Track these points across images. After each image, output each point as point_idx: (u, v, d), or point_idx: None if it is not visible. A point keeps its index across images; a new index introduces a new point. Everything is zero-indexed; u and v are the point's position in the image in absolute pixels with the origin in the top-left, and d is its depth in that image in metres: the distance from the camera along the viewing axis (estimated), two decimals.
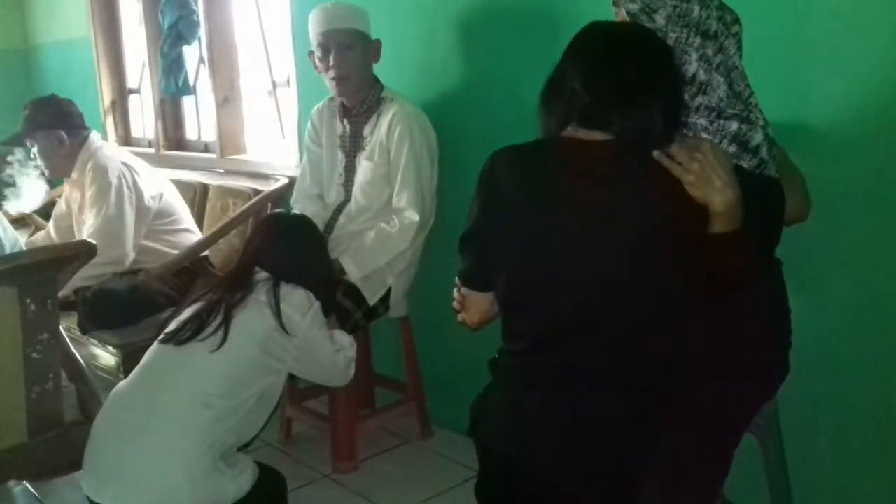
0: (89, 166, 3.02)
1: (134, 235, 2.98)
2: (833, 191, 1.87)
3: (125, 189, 2.97)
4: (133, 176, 3.02)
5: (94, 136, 3.14)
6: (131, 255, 2.97)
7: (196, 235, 3.20)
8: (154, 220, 3.07)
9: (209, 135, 3.96)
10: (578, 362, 1.40)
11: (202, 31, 3.74)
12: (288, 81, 3.35)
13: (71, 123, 3.10)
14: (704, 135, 1.55)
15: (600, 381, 1.39)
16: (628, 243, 1.36)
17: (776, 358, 1.69)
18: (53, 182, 3.68)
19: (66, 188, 3.33)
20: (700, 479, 1.48)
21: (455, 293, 1.60)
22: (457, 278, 1.57)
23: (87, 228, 2.98)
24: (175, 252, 3.06)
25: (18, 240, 2.51)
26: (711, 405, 1.46)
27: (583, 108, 1.40)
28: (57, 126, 3.06)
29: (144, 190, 3.03)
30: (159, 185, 3.14)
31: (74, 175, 3.10)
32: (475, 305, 1.57)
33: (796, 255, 1.74)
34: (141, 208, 3.01)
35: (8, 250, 2.31)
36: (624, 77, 1.39)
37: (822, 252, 1.94)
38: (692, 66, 1.54)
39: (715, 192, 1.32)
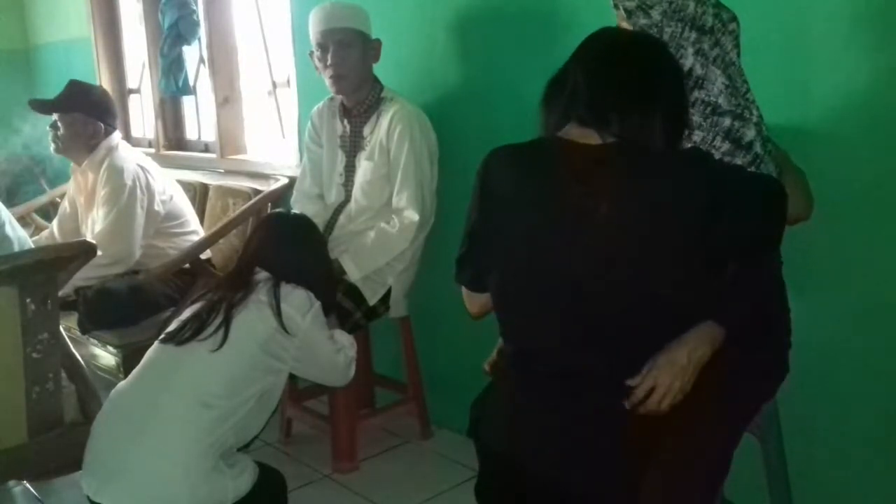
0: (105, 165, 3.03)
1: (142, 237, 2.99)
2: (833, 191, 1.87)
3: (138, 191, 2.99)
4: (147, 178, 3.04)
5: (116, 134, 3.16)
6: (136, 256, 2.98)
7: None
8: (163, 221, 3.08)
9: (209, 135, 3.96)
10: (576, 366, 1.40)
11: (202, 31, 3.74)
12: (288, 81, 3.35)
13: (109, 120, 3.14)
14: (698, 132, 1.55)
15: (599, 382, 1.39)
16: (620, 251, 1.36)
17: (776, 358, 1.69)
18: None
19: (70, 186, 3.33)
20: (700, 479, 1.48)
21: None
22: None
23: (96, 227, 3.00)
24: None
25: (28, 239, 2.52)
26: (711, 405, 1.46)
27: (583, 105, 1.40)
28: (98, 117, 3.09)
29: (156, 192, 3.04)
30: (170, 188, 3.15)
31: (84, 164, 3.11)
32: (475, 301, 1.59)
33: (796, 255, 1.74)
34: (150, 211, 3.02)
35: (16, 248, 2.31)
36: (627, 79, 1.40)
37: (823, 252, 1.94)
38: (688, 60, 1.55)
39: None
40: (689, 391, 1.41)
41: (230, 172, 3.59)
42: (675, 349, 1.40)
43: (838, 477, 2.01)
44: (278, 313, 1.91)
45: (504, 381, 1.54)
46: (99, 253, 2.46)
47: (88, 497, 1.82)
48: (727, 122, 1.54)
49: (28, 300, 1.97)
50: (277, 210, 3.04)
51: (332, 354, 2.07)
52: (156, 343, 1.95)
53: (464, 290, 1.62)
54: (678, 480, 1.42)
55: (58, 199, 3.71)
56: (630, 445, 1.39)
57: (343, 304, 2.49)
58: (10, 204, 3.22)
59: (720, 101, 1.55)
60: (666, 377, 1.37)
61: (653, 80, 1.41)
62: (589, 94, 1.40)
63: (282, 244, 2.09)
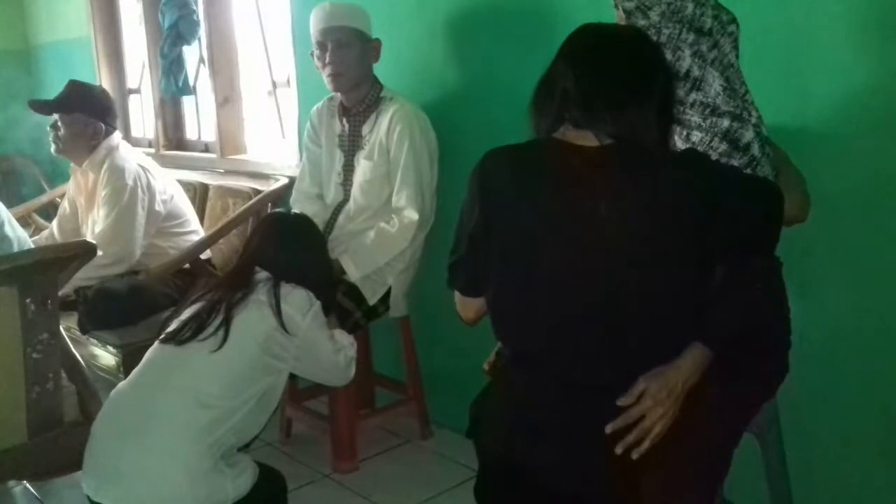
0: (106, 165, 3.03)
1: (142, 237, 2.99)
2: (833, 191, 1.87)
3: (139, 192, 2.99)
4: (148, 178, 3.04)
5: (116, 134, 3.16)
6: (136, 256, 2.98)
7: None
8: (164, 221, 3.08)
9: (209, 135, 3.96)
10: (574, 367, 1.40)
11: (202, 31, 3.74)
12: (288, 81, 3.35)
13: (109, 120, 3.14)
14: (697, 132, 1.55)
15: (597, 384, 1.39)
16: (619, 253, 1.36)
17: (776, 358, 1.69)
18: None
19: (70, 187, 3.33)
20: (700, 479, 1.48)
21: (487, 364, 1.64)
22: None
23: (97, 227, 3.00)
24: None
25: (27, 239, 2.52)
26: (711, 405, 1.46)
27: (575, 107, 1.39)
28: (98, 118, 3.09)
29: (157, 192, 3.04)
30: (171, 188, 3.16)
31: (85, 164, 3.11)
32: (470, 306, 1.58)
33: (796, 255, 1.74)
34: (151, 211, 3.02)
35: (16, 248, 2.31)
36: (617, 77, 1.39)
37: (822, 252, 1.94)
38: (685, 61, 1.55)
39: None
40: (688, 391, 1.42)
41: (230, 172, 3.59)
42: (672, 376, 1.38)
43: (838, 477, 2.01)
44: (278, 313, 1.90)
45: (503, 382, 1.54)
46: (99, 253, 2.46)
47: (88, 497, 1.82)
48: (726, 123, 1.54)
49: (28, 300, 1.97)
50: (277, 210, 3.04)
51: (332, 354, 2.06)
52: (156, 343, 1.95)
53: (457, 296, 1.60)
54: (678, 480, 1.43)
55: (58, 200, 3.71)
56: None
57: (343, 303, 2.50)
58: (9, 204, 3.22)
59: (718, 102, 1.55)
60: (659, 407, 1.37)
61: (642, 74, 1.41)
62: (579, 93, 1.39)
63: (282, 244, 2.09)
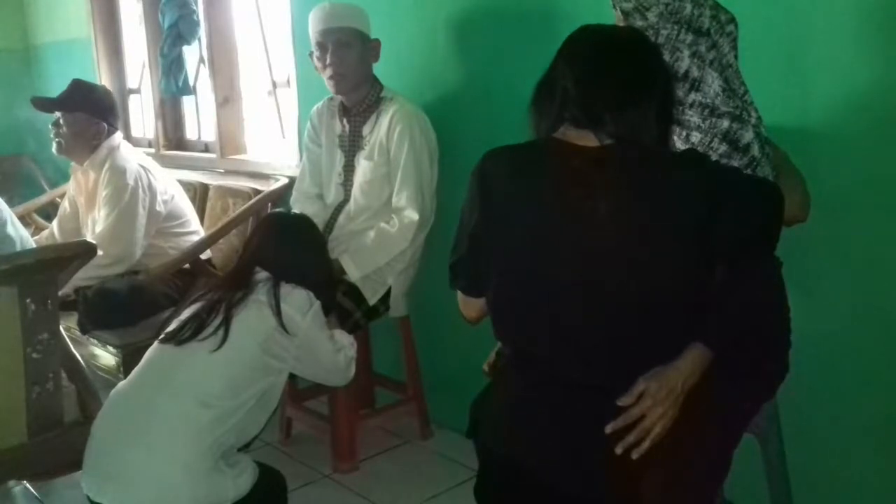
0: (107, 165, 3.03)
1: (143, 237, 2.99)
2: (833, 191, 1.87)
3: (140, 192, 2.99)
4: (149, 178, 3.04)
5: (118, 134, 3.16)
6: (137, 256, 2.98)
7: None
8: (164, 221, 3.08)
9: (209, 135, 3.96)
10: (574, 367, 1.40)
11: (202, 31, 3.74)
12: (288, 81, 3.35)
13: (112, 120, 3.14)
14: (696, 133, 1.55)
15: (598, 384, 1.39)
16: (619, 253, 1.36)
17: (776, 358, 1.69)
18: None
19: (70, 186, 3.33)
20: (700, 479, 1.48)
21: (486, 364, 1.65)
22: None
23: (97, 227, 3.00)
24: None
25: (30, 238, 2.52)
26: (711, 405, 1.46)
27: (575, 107, 1.40)
28: (101, 117, 3.08)
29: (158, 192, 3.05)
30: (171, 188, 3.16)
31: (86, 164, 3.11)
32: (472, 306, 1.58)
33: (796, 255, 1.74)
34: (152, 211, 3.02)
35: (18, 247, 2.31)
36: (617, 77, 1.40)
37: (822, 252, 1.94)
38: (684, 62, 1.55)
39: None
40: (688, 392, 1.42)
41: (230, 172, 3.59)
42: (672, 376, 1.38)
43: (838, 477, 2.01)
44: (278, 313, 1.91)
45: (503, 382, 1.54)
46: (100, 253, 2.46)
47: (88, 497, 1.82)
48: (725, 123, 1.54)
49: (28, 300, 1.97)
50: (277, 210, 3.04)
51: (332, 354, 2.07)
52: (155, 343, 1.95)
53: (460, 296, 1.61)
54: (678, 480, 1.42)
55: (58, 200, 3.71)
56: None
57: (343, 304, 2.50)
58: (9, 204, 3.22)
59: (717, 102, 1.55)
60: (659, 407, 1.37)
61: (642, 75, 1.41)
62: (579, 93, 1.39)
63: (282, 244, 2.09)
